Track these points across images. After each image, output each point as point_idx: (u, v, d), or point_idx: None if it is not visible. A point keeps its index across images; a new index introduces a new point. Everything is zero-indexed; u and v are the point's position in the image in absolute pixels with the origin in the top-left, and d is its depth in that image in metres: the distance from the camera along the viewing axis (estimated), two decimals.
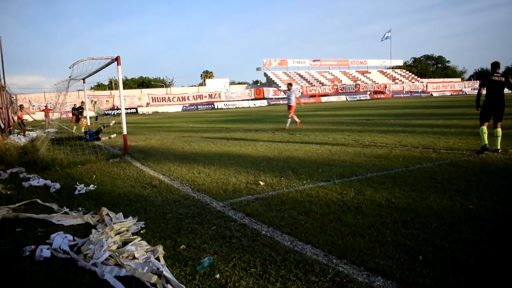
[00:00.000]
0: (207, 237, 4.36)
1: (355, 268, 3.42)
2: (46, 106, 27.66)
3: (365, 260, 3.52)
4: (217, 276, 3.40)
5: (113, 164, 9.86)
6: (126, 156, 10.96)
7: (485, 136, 8.74)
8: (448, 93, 78.63)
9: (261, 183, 6.70)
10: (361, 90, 77.39)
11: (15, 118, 26.68)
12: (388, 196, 5.54)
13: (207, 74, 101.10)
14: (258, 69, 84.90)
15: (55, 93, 15.95)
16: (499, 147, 8.73)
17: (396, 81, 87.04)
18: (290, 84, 19.11)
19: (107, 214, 5.24)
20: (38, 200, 6.26)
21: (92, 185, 7.38)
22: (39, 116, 47.77)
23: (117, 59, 10.92)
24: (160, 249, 3.98)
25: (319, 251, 3.81)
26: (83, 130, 19.98)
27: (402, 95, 76.46)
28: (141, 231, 4.71)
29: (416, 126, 15.56)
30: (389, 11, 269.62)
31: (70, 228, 5.03)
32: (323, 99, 70.66)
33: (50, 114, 26.32)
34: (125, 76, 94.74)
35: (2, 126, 17.27)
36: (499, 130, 8.75)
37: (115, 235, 4.47)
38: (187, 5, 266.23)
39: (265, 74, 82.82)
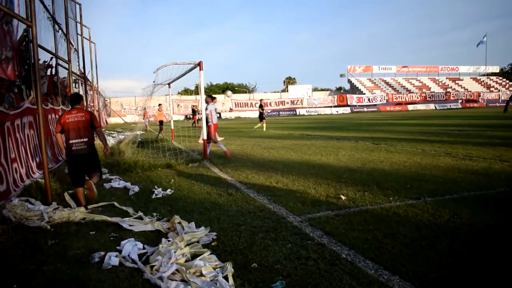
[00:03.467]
0: (281, 256, 3.98)
1: None
2: (145, 109, 28.77)
3: None
4: None
5: (192, 169, 9.85)
6: (205, 161, 10.94)
7: None
8: None
9: (343, 197, 6.19)
10: (452, 98, 72.95)
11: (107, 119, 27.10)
12: (490, 221, 4.78)
13: (290, 80, 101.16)
14: (342, 75, 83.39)
15: (143, 97, 16.56)
16: None
17: (491, 89, 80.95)
18: (210, 96, 12.84)
19: (179, 223, 5.07)
20: (115, 203, 6.29)
21: (169, 190, 7.34)
22: (130, 118, 50.59)
23: (199, 64, 10.95)
24: (229, 267, 3.68)
25: (408, 284, 3.26)
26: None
27: (497, 104, 70.67)
28: (212, 243, 4.45)
29: None
30: (483, 15, 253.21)
31: (142, 234, 4.92)
32: (410, 107, 67.67)
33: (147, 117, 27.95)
34: (210, 82, 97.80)
35: None
36: None
37: (184, 246, 4.25)
38: (269, 12, 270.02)
39: (349, 81, 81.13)
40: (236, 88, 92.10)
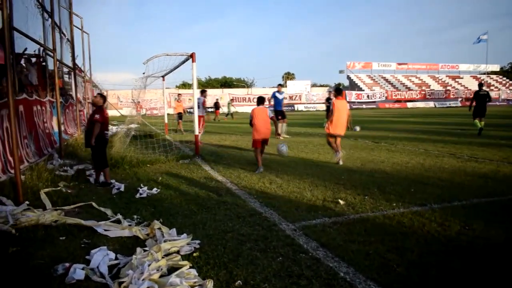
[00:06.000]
0: (270, 272, 3.48)
1: None
2: (138, 102, 27.76)
3: None
4: None
5: (182, 166, 9.33)
6: (196, 157, 10.40)
7: (478, 124, 15.26)
8: None
9: (341, 201, 5.67)
10: (452, 96, 72.40)
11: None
12: (507, 234, 4.27)
13: (288, 76, 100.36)
14: (341, 71, 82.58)
15: (136, 89, 15.93)
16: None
17: (491, 87, 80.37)
18: (204, 91, 15.68)
19: (159, 228, 4.56)
20: (93, 204, 5.77)
21: (155, 189, 6.83)
22: (127, 111, 49.88)
23: (192, 56, 10.40)
24: (210, 284, 3.19)
25: None
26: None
27: (498, 103, 69.98)
28: (194, 254, 3.94)
29: None
30: (485, 13, 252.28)
31: (117, 240, 4.42)
32: (409, 104, 67.08)
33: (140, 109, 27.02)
34: (209, 76, 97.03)
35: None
36: (483, 122, 15.41)
37: (162, 257, 3.75)
38: (268, 7, 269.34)
39: (348, 77, 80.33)
40: (235, 83, 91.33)
